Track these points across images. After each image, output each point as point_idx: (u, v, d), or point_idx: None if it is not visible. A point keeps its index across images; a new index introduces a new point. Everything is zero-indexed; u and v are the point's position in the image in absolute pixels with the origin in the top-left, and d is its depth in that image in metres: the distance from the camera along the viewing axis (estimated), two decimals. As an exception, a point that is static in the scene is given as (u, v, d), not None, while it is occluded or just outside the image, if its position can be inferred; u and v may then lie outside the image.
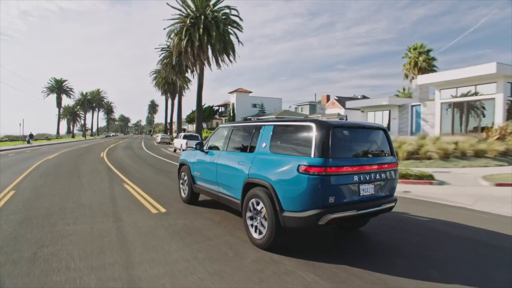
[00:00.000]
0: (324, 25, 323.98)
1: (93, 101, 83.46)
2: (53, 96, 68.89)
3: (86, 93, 75.93)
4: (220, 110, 63.07)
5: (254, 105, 54.93)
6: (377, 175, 3.79)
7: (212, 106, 62.78)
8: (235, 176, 4.46)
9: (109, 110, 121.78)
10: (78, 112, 78.34)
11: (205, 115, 63.75)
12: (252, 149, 4.34)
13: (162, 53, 39.53)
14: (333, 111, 32.05)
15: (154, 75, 62.77)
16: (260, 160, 4.05)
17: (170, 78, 50.69)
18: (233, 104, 53.10)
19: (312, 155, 3.40)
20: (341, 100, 31.61)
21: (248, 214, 4.06)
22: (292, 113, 48.37)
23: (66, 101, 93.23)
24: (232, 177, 4.56)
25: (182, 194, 6.47)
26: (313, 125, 3.59)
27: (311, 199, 3.33)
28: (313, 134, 3.50)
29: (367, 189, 3.69)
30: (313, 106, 51.84)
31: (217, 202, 5.52)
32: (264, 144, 4.12)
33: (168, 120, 62.87)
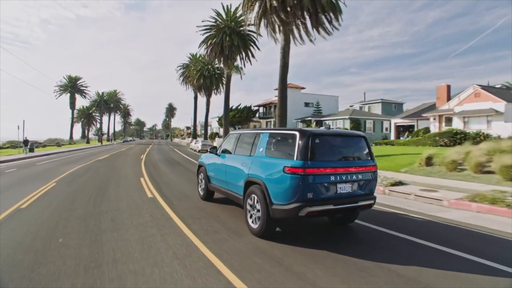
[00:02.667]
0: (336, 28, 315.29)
1: (110, 102, 74.94)
2: (66, 97, 60.34)
3: (102, 93, 67.28)
4: (260, 111, 52.84)
5: (307, 104, 44.51)
6: (354, 176, 4.32)
7: (250, 106, 52.80)
8: (239, 175, 5.14)
9: (125, 113, 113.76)
10: (93, 115, 69.55)
11: (242, 117, 53.66)
12: (252, 153, 5.02)
13: (205, 33, 29.60)
14: (477, 105, 21.02)
15: (181, 70, 53.59)
16: (257, 162, 4.74)
17: (207, 70, 40.87)
18: (282, 102, 42.73)
19: (295, 158, 4.08)
20: (485, 89, 20.76)
21: (247, 207, 4.75)
22: (362, 113, 37.53)
23: (81, 103, 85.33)
24: (237, 176, 5.22)
25: (200, 192, 7.14)
26: (297, 133, 4.29)
27: (293, 194, 3.97)
28: (297, 141, 4.18)
29: (344, 188, 4.24)
30: (387, 104, 40.92)
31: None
32: (261, 149, 4.83)
33: (198, 121, 53.15)
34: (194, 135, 53.34)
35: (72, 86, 59.88)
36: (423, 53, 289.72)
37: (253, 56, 29.88)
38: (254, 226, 4.50)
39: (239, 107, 55.28)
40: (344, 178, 4.19)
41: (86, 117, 64.70)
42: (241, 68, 29.23)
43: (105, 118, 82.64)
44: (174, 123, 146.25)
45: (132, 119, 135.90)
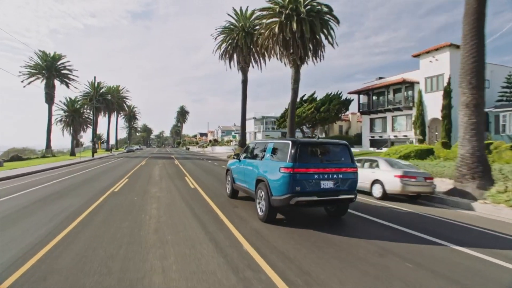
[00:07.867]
0: (343, 35, 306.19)
1: (109, 93, 54.09)
2: (41, 85, 39.08)
3: (97, 81, 46.29)
4: (360, 101, 31.29)
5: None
6: (335, 175, 5.63)
7: (340, 94, 31.44)
8: (252, 175, 6.70)
9: (131, 116, 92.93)
10: (84, 115, 47.87)
11: (331, 113, 32.22)
12: (262, 158, 6.60)
13: None
14: None
15: (223, 35, 32.56)
16: (264, 164, 6.33)
17: (304, 5, 19.75)
18: (446, 78, 21.08)
19: (287, 161, 5.49)
20: None
21: (257, 199, 6.28)
22: None
23: (67, 94, 63.69)
24: (251, 176, 6.78)
25: (227, 191, 8.79)
26: (289, 142, 5.78)
27: (285, 187, 5.37)
28: (289, 148, 5.65)
29: (327, 184, 5.55)
30: None
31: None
32: (267, 155, 6.39)
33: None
34: (243, 143, 31.87)
35: (50, 68, 38.77)
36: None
37: None
38: (261, 213, 6.03)
39: (317, 97, 33.90)
40: (326, 177, 5.53)
41: (71, 116, 43.22)
42: None
43: (104, 120, 61.87)
44: (186, 129, 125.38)
45: (139, 124, 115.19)
